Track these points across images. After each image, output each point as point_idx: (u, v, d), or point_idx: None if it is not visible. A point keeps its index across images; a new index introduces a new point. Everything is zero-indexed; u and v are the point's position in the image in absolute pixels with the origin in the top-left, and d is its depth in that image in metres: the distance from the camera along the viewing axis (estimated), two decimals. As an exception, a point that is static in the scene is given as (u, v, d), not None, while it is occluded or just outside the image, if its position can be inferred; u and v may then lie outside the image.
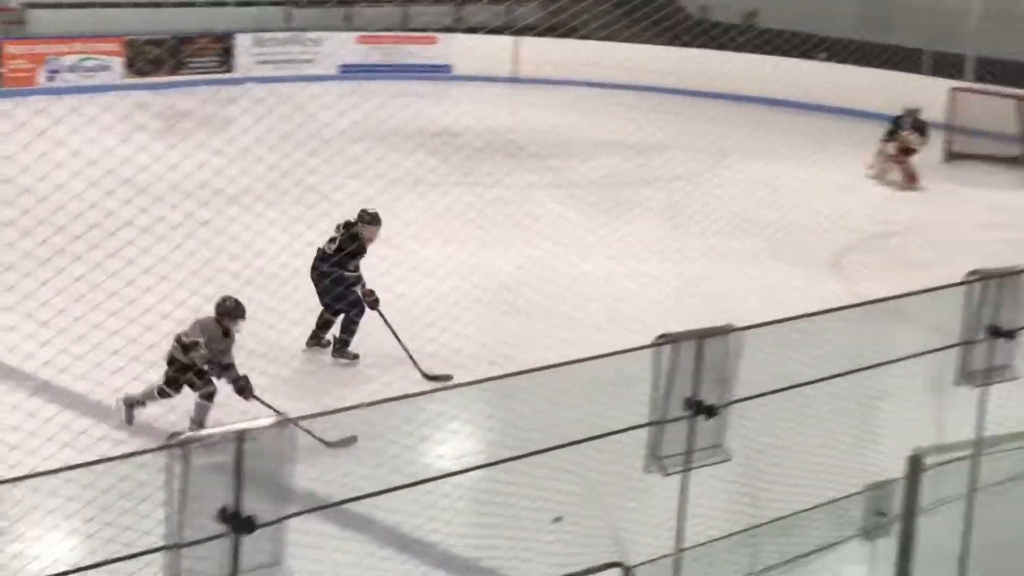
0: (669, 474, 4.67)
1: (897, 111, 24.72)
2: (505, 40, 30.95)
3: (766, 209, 18.93)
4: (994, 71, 29.10)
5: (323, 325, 13.51)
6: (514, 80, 31.01)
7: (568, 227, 17.80)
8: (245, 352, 11.66)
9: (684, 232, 17.96)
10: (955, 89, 27.18)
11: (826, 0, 33.90)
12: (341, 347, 13.37)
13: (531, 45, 30.89)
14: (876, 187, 22.87)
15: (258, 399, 11.22)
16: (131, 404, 11.65)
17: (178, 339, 11.60)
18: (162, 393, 11.66)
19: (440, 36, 31.63)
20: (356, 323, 13.31)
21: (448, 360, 12.95)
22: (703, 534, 5.59)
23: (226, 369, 11.44)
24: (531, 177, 21.00)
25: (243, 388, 11.36)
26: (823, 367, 5.35)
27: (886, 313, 5.43)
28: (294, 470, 4.38)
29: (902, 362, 6.01)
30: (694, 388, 4.39)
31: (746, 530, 6.43)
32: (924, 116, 24.49)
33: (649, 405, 4.48)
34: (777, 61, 28.58)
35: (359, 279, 13.37)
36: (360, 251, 13.45)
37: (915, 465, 6.18)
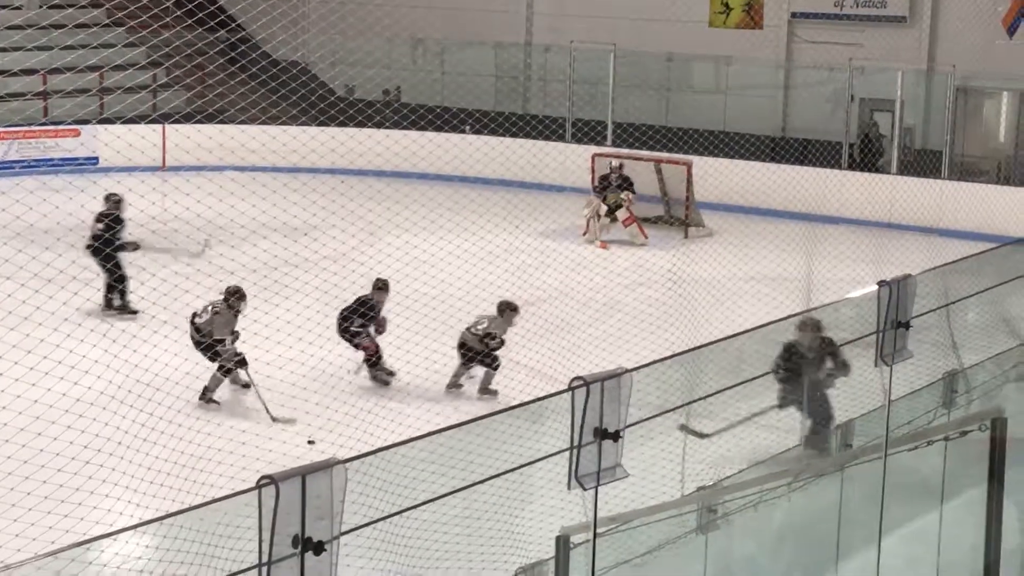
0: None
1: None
2: (150, 128, 30.53)
3: (420, 284, 19.09)
4: (632, 135, 30.25)
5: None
6: (162, 169, 30.59)
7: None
8: None
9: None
10: (596, 155, 28.09)
11: (464, 75, 34.75)
12: None
13: (177, 132, 30.57)
14: (524, 255, 23.29)
15: None
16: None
17: None
18: None
19: (83, 128, 30.97)
20: None
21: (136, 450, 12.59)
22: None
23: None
24: (182, 267, 20.67)
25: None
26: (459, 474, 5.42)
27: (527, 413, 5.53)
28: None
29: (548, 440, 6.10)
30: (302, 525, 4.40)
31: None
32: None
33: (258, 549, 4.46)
34: (420, 135, 29.05)
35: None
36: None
37: (563, 544, 6.34)
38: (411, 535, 6.04)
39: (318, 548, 4.47)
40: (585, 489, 5.35)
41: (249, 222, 21.43)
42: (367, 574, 6.32)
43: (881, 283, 7.05)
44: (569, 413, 5.52)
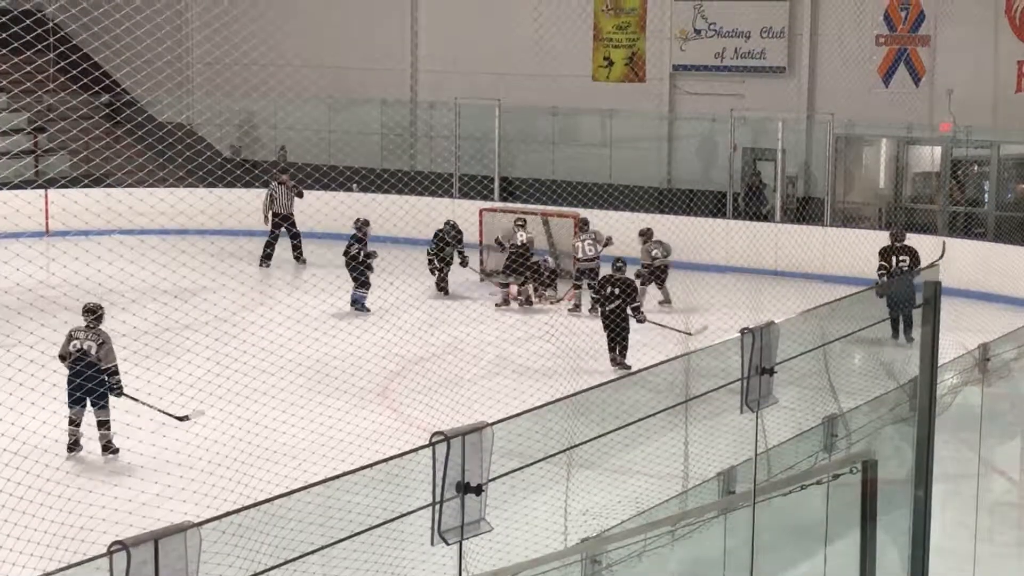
0: None
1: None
2: (33, 193, 30.22)
3: (308, 344, 19.07)
4: (519, 190, 30.49)
5: None
6: (45, 234, 30.28)
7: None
8: None
9: (230, 375, 17.81)
10: (484, 210, 28.24)
11: (350, 133, 34.83)
12: None
13: (61, 197, 30.26)
14: (416, 312, 23.36)
15: None
16: None
17: None
18: None
19: (-38, 194, 30.57)
20: None
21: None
22: None
23: None
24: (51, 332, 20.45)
25: None
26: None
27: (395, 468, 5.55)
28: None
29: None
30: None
31: None
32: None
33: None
34: (308, 194, 28.97)
35: None
36: None
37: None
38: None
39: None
40: (448, 544, 5.37)
41: (139, 284, 21.29)
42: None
43: (744, 330, 7.19)
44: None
